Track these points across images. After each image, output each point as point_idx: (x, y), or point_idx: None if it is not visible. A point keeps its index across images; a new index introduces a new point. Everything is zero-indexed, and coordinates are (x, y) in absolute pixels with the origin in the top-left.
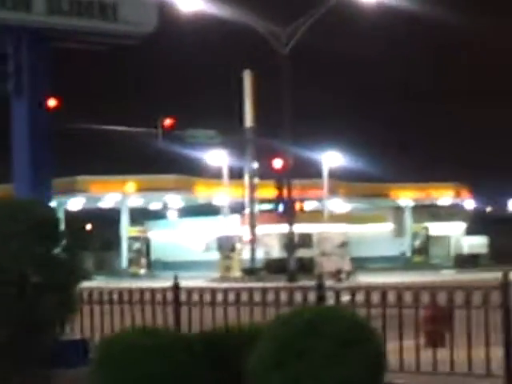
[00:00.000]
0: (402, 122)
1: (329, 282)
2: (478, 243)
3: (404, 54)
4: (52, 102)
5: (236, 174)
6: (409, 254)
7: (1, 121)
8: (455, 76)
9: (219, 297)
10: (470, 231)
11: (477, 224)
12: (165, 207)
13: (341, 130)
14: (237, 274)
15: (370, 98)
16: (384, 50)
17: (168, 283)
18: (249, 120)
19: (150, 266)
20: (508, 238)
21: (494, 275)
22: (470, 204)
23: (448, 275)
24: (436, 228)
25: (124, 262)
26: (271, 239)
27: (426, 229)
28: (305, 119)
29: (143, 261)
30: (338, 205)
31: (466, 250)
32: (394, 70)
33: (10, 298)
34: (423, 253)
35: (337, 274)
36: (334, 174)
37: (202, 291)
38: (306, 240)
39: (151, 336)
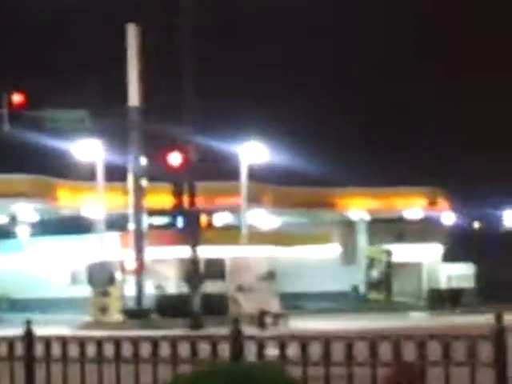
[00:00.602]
0: (355, 104)
1: (249, 329)
2: (460, 273)
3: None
4: None
5: (115, 175)
6: (363, 288)
7: None
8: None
9: (90, 350)
10: (449, 257)
11: (459, 246)
12: (12, 221)
13: (267, 114)
14: (116, 317)
15: (313, 69)
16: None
17: (17, 330)
18: (134, 97)
19: None
20: (502, 266)
21: (482, 318)
22: (449, 218)
23: (419, 319)
24: (402, 252)
25: None
26: (166, 268)
27: (388, 253)
28: (215, 98)
29: None
30: (263, 219)
31: (443, 284)
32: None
33: None
34: (383, 287)
35: (260, 318)
36: (256, 175)
37: (65, 342)
38: (215, 269)
39: None
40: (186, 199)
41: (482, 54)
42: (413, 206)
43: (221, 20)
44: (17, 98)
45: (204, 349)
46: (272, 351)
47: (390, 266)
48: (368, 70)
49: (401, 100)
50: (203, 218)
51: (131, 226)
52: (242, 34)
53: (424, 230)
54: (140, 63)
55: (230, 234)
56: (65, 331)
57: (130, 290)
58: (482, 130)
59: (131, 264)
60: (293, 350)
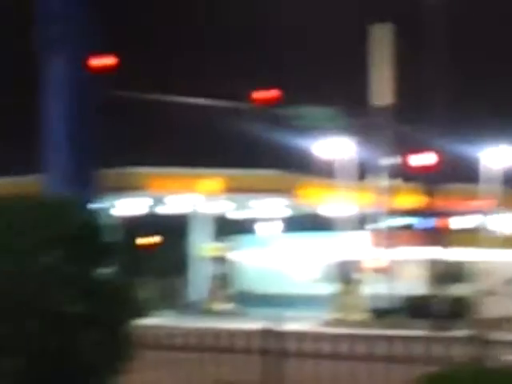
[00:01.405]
0: None
1: (491, 334)
2: None
3: None
4: (103, 61)
5: (353, 174)
6: None
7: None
8: None
9: (339, 347)
10: None
11: None
12: (258, 217)
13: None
14: (358, 315)
15: None
16: None
17: (259, 324)
18: (385, 96)
19: (236, 299)
20: None
21: None
22: None
23: None
24: None
25: (196, 293)
26: (413, 268)
27: None
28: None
29: (226, 292)
30: (509, 223)
31: None
32: None
33: (34, 337)
34: None
35: (503, 323)
36: (506, 179)
37: (316, 338)
38: (460, 271)
39: None
40: (432, 200)
41: None
42: None
43: (473, 16)
44: (261, 93)
45: (453, 350)
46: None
47: None
48: None
49: None
50: (450, 221)
51: (378, 225)
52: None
53: None
54: (392, 63)
55: (475, 238)
56: (307, 327)
57: (377, 289)
58: None
59: (380, 263)
60: None
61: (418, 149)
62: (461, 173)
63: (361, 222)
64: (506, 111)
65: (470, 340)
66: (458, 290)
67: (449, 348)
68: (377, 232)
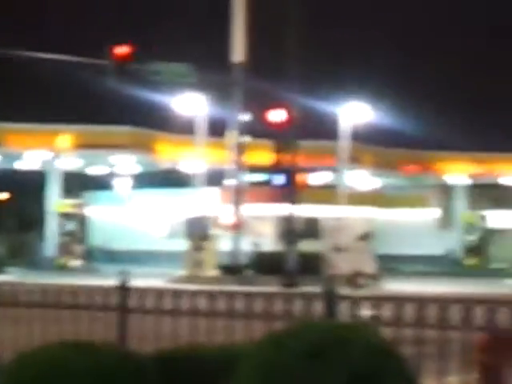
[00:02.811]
0: (459, 65)
1: (343, 289)
2: None
3: None
4: None
5: (215, 130)
6: (459, 253)
7: None
8: None
9: (184, 303)
10: None
11: None
12: (111, 172)
13: (370, 74)
14: (211, 272)
15: (416, 33)
16: None
17: (112, 281)
18: (238, 53)
19: (87, 255)
20: None
21: None
22: None
23: None
24: (499, 218)
25: (50, 249)
26: (262, 225)
27: (485, 218)
28: (320, 58)
29: (77, 248)
30: (362, 179)
31: None
32: None
33: None
34: (480, 253)
35: (355, 278)
36: (357, 136)
37: (160, 294)
38: (312, 228)
39: (86, 354)
40: (285, 157)
41: None
42: None
43: None
44: (122, 50)
45: (297, 307)
46: (365, 312)
47: (487, 231)
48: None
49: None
50: (302, 177)
51: (230, 181)
52: None
53: None
54: (246, 18)
55: (327, 194)
56: (159, 284)
57: (226, 246)
58: None
59: (229, 220)
60: (386, 312)
61: (274, 105)
62: (317, 129)
63: (216, 178)
64: (363, 68)
65: (320, 296)
66: (309, 246)
67: (297, 304)
68: (229, 188)
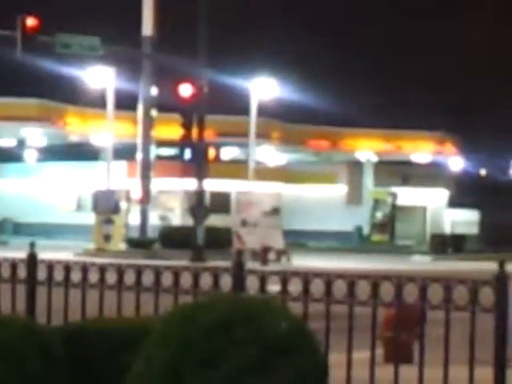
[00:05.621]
0: (372, 44)
1: (251, 264)
2: (465, 219)
3: None
4: None
5: (126, 104)
6: (367, 229)
7: None
8: None
9: (92, 276)
10: (454, 202)
11: (465, 193)
12: (20, 145)
13: (278, 50)
14: (119, 245)
15: (323, 8)
16: None
17: (20, 253)
18: (148, 27)
19: None
20: (507, 214)
21: (485, 265)
22: (456, 163)
23: (421, 263)
24: (407, 195)
25: None
26: (171, 199)
27: (393, 196)
28: (229, 33)
29: None
30: (270, 155)
31: (447, 229)
32: None
33: None
34: (387, 229)
35: (263, 253)
36: (266, 111)
37: (68, 267)
38: (220, 203)
39: None
40: (194, 131)
41: None
42: (420, 150)
43: None
44: (30, 21)
45: (206, 281)
46: (273, 287)
47: (394, 208)
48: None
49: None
50: (211, 152)
51: (139, 155)
52: None
53: (430, 175)
54: None
55: (236, 169)
56: (67, 257)
57: (134, 220)
58: (495, 80)
59: (137, 193)
60: (294, 287)
61: (182, 79)
62: (227, 104)
63: (126, 152)
64: (273, 43)
65: (229, 270)
66: (218, 220)
67: (205, 278)
68: (135, 162)
